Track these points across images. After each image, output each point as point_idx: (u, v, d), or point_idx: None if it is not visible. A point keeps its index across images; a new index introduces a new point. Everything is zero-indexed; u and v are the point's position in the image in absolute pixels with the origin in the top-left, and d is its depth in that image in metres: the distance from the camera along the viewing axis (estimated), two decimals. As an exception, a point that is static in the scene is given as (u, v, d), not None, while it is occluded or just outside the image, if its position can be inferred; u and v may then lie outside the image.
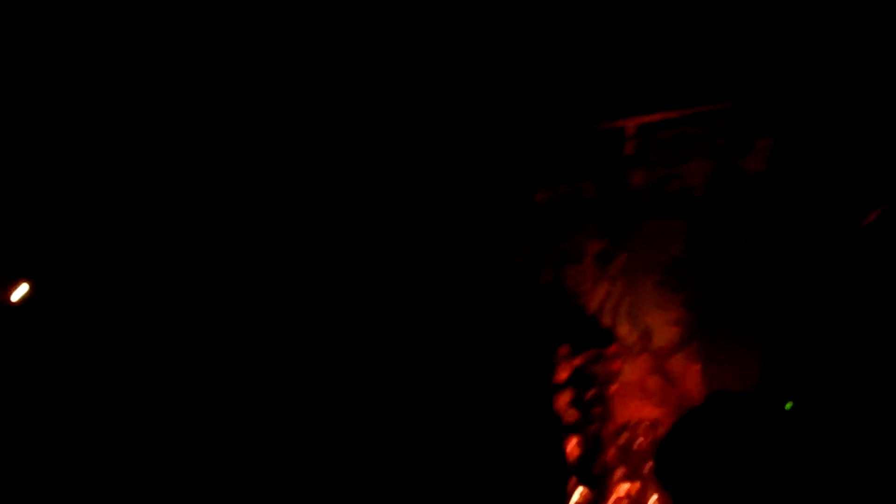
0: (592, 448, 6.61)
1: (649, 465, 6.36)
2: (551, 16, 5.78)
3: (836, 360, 5.20)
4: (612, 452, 6.57)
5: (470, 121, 6.09)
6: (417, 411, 6.38)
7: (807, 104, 5.59)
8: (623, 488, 6.40)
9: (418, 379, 6.52)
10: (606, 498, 6.44)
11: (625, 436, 6.56)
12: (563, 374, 6.70)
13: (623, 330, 6.78)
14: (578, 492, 6.47)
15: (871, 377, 4.85)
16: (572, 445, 6.61)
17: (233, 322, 6.33)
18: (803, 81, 5.62)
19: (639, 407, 6.67)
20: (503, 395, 6.67)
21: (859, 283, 5.30)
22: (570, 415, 6.79)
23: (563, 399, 6.68)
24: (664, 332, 6.68)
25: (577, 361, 6.72)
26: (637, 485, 6.36)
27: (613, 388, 6.74)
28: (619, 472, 6.52)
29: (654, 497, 6.18)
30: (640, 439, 6.46)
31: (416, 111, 6.20)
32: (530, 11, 5.73)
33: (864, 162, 5.28)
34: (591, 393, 6.68)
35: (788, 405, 5.60)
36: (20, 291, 5.70)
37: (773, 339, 5.88)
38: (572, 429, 6.68)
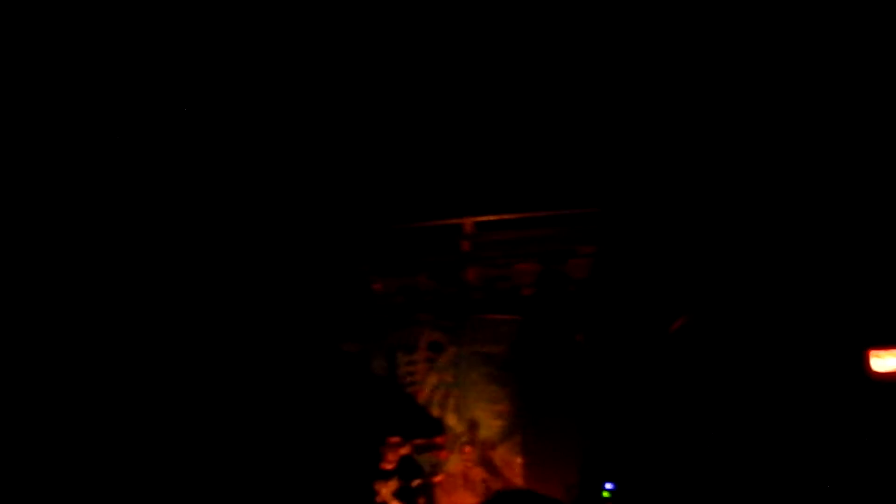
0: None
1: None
2: (404, 112, 6.06)
3: (649, 448, 5.63)
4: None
5: (312, 209, 6.16)
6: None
7: (626, 217, 6.16)
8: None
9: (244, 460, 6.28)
10: None
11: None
12: (390, 463, 6.70)
13: (451, 420, 6.94)
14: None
15: (683, 465, 5.30)
16: (395, 537, 6.58)
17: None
18: (625, 197, 6.19)
19: (461, 497, 6.79)
20: (329, 481, 6.55)
21: (667, 380, 5.83)
22: (395, 504, 6.78)
23: (389, 488, 6.65)
24: (490, 424, 6.91)
25: (405, 450, 6.75)
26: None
27: (438, 478, 6.83)
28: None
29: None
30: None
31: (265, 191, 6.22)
32: (383, 108, 5.98)
33: (673, 273, 5.88)
34: (416, 482, 6.71)
35: (606, 494, 5.97)
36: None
37: (591, 432, 6.28)
38: (395, 519, 6.67)
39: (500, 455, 6.88)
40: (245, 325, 6.08)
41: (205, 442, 5.74)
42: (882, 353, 4.72)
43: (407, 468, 6.80)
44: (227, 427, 5.89)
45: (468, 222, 6.28)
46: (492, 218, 6.27)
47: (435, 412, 6.95)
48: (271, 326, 6.20)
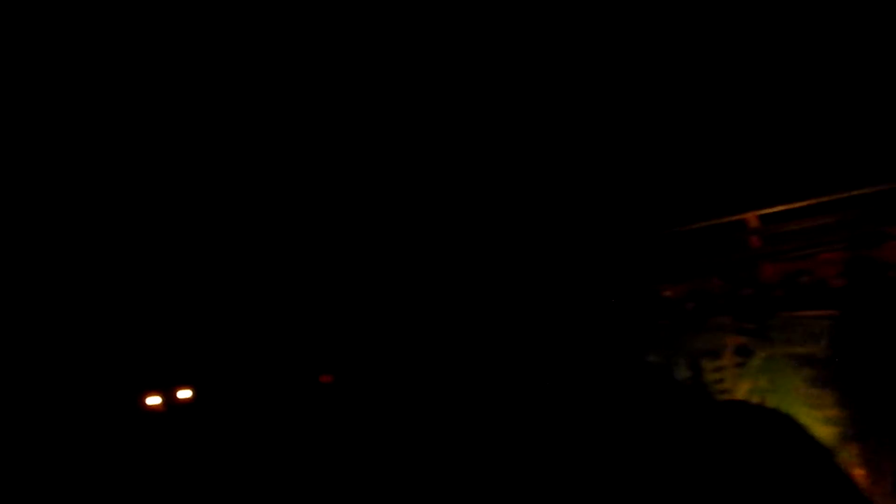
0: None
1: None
2: (668, 115, 5.89)
3: None
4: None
5: (592, 221, 6.26)
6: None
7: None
8: None
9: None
10: None
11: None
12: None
13: (773, 428, 6.42)
14: None
15: None
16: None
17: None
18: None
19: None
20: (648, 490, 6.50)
21: None
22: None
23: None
24: (818, 431, 6.25)
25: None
26: None
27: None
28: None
29: None
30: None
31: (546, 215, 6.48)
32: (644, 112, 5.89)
33: None
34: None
35: None
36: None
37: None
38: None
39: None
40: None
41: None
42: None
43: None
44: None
45: (752, 216, 5.84)
46: (778, 209, 5.75)
47: (753, 420, 6.50)
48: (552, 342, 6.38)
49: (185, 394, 6.75)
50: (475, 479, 6.42)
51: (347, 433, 6.87)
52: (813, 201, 5.54)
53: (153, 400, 6.68)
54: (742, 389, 6.49)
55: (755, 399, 6.45)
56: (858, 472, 6.03)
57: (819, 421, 6.21)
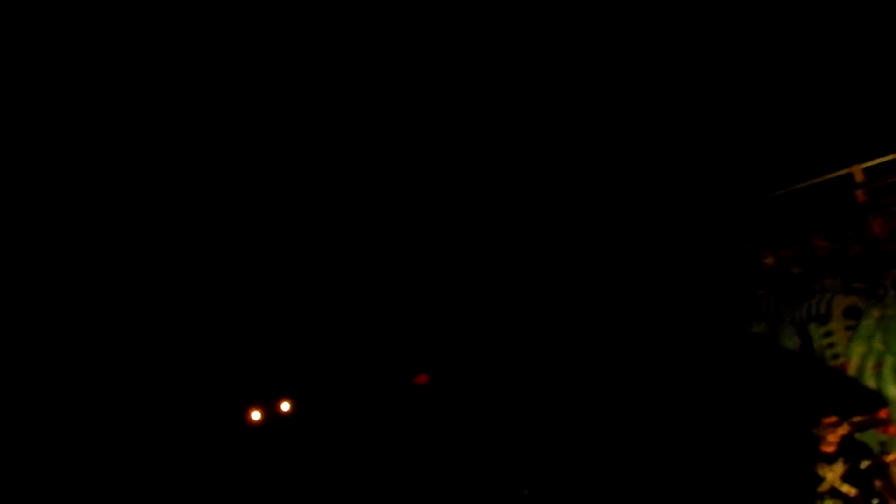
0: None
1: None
2: (755, 76, 5.79)
3: None
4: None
5: (683, 188, 6.14)
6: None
7: None
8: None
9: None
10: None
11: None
12: (830, 446, 6.20)
13: (893, 391, 6.19)
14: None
15: None
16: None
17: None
18: None
19: (925, 477, 5.98)
20: (766, 470, 6.30)
21: None
22: (847, 490, 6.22)
23: (835, 472, 6.15)
24: (942, 390, 6.03)
25: (844, 430, 6.19)
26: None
27: (891, 457, 6.11)
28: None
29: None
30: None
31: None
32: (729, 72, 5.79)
33: None
34: (865, 464, 6.10)
35: None
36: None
37: None
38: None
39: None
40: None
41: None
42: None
43: (851, 449, 6.22)
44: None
45: (857, 170, 5.69)
46: (885, 159, 5.60)
47: (870, 384, 6.27)
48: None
49: (285, 406, 6.74)
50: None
51: (446, 437, 6.77)
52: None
53: (255, 414, 6.67)
54: (856, 353, 6.27)
55: (870, 363, 6.24)
56: None
57: (943, 379, 6.01)
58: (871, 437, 6.15)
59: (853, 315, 6.23)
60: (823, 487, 6.16)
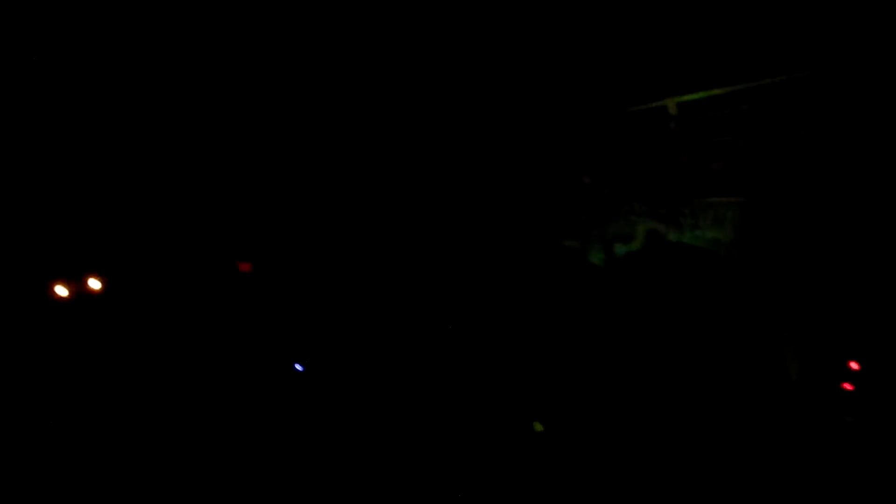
0: None
1: None
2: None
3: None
4: None
5: (508, 109, 6.18)
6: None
7: (856, 79, 5.36)
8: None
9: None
10: None
11: None
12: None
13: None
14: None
15: None
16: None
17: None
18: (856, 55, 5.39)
19: None
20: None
21: None
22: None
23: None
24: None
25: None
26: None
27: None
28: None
29: None
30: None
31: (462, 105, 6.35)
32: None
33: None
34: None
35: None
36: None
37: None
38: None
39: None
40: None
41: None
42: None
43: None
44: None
45: (671, 103, 5.91)
46: (698, 95, 5.84)
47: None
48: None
49: (94, 283, 6.43)
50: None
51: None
52: (728, 89, 5.64)
53: (60, 289, 6.34)
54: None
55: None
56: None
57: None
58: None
59: (654, 238, 6.65)
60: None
